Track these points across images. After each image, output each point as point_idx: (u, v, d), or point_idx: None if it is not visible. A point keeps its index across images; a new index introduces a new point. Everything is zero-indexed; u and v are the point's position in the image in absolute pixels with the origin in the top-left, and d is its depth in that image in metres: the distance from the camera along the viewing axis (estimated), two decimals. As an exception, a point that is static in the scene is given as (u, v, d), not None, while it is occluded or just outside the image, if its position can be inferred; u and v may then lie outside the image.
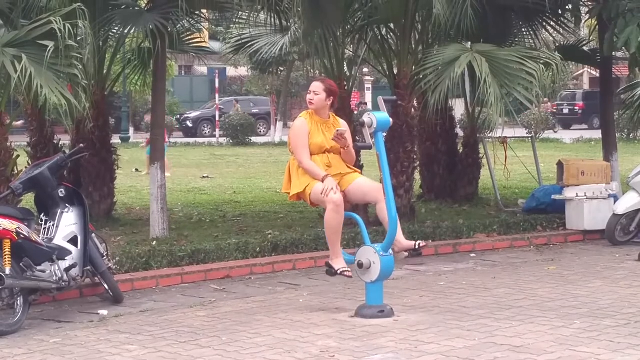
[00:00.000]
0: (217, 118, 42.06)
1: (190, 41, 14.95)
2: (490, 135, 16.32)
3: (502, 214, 14.31)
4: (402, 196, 13.14)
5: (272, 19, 13.93)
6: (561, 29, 15.69)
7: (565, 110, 51.35)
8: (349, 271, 8.66)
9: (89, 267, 9.07)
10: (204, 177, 22.83)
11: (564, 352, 7.22)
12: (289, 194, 8.92)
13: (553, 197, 13.67)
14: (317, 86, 8.91)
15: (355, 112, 27.43)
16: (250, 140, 39.01)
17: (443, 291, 9.78)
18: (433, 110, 12.37)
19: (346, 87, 13.70)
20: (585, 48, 16.77)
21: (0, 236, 8.21)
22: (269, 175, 22.66)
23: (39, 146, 13.18)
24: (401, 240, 8.70)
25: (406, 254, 8.90)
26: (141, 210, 15.22)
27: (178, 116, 48.64)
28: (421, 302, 9.22)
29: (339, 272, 8.67)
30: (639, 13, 13.14)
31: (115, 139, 17.79)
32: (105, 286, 9.35)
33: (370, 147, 8.59)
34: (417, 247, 8.76)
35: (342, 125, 8.94)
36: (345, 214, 8.65)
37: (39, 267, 8.51)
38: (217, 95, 44.68)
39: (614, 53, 14.85)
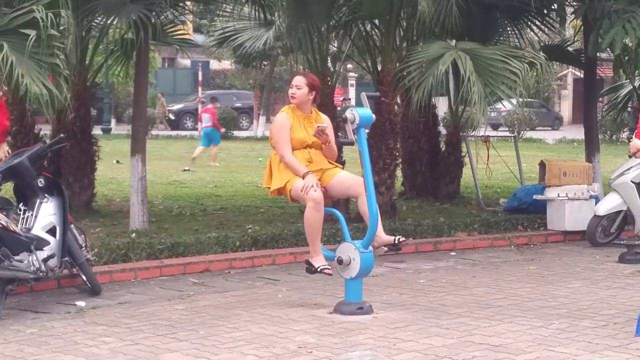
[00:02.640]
0: (200, 111, 41.95)
1: (174, 33, 14.87)
2: (472, 133, 16.33)
3: (483, 213, 14.31)
4: (383, 193, 13.11)
5: (257, 13, 13.90)
6: (546, 29, 15.71)
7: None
8: (329, 268, 8.62)
9: (67, 258, 9.01)
10: (185, 170, 22.79)
11: (542, 352, 7.20)
12: (269, 188, 8.88)
13: (534, 197, 13.67)
14: (299, 80, 8.87)
15: (339, 108, 27.43)
16: (233, 134, 38.96)
17: (423, 289, 9.76)
18: (416, 107, 12.37)
19: (330, 83, 13.67)
20: (569, 48, 16.80)
21: (-22, 225, 8.15)
22: (251, 170, 22.63)
23: (19, 135, 13.10)
24: (381, 235, 8.67)
25: (385, 248, 8.87)
26: (121, 202, 15.16)
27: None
28: (400, 299, 9.20)
29: (319, 269, 8.63)
30: (624, 14, 13.14)
31: (97, 130, 17.75)
32: (84, 277, 9.30)
33: (352, 143, 8.56)
34: (396, 242, 8.73)
35: (324, 120, 8.90)
36: (325, 209, 8.61)
37: (16, 257, 8.44)
38: (200, 89, 44.59)
39: (598, 54, 14.86)
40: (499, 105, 47.63)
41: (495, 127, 41.71)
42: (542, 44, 16.36)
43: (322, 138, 8.69)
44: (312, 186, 8.46)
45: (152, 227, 12.28)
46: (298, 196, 8.61)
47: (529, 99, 47.24)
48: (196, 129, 42.96)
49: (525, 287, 9.80)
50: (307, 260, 8.77)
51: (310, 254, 8.75)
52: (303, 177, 8.52)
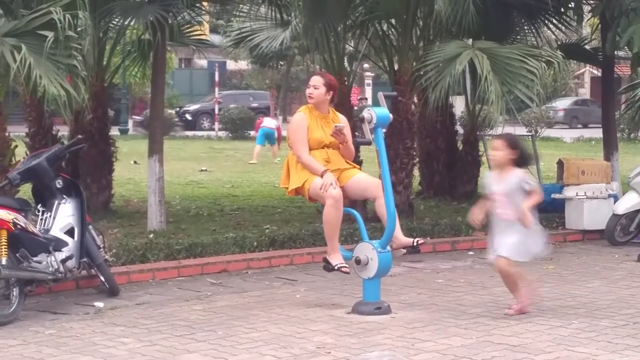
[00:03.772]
0: (217, 111, 42.03)
1: (191, 34, 14.90)
2: (490, 132, 16.28)
3: (501, 212, 14.24)
4: (401, 193, 13.10)
5: (273, 13, 13.90)
6: (563, 27, 15.65)
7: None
8: (346, 267, 8.62)
9: (85, 259, 9.03)
10: (202, 170, 22.82)
11: (562, 352, 7.18)
12: (287, 188, 8.88)
13: (553, 196, 13.62)
14: (317, 80, 8.86)
15: (356, 108, 27.43)
16: (249, 134, 38.99)
17: (441, 289, 9.74)
18: (433, 106, 12.35)
19: (346, 83, 13.66)
20: (587, 47, 16.73)
21: (-3, 227, 8.17)
22: (268, 170, 22.63)
23: (37, 137, 13.14)
24: (399, 237, 8.66)
25: (404, 251, 8.86)
26: (139, 202, 15.19)
27: (177, 109, 48.58)
28: (418, 299, 9.19)
29: (336, 267, 8.63)
30: (642, 12, 13.08)
31: (114, 131, 17.76)
32: (102, 278, 9.32)
33: (369, 143, 8.55)
34: (415, 244, 8.72)
35: (342, 120, 8.90)
36: (343, 209, 8.61)
37: (35, 258, 8.47)
38: (216, 89, 44.66)
39: (616, 52, 14.81)
40: (555, 104, 47.86)
41: (550, 125, 41.69)
42: (559, 43, 16.31)
43: (340, 138, 8.69)
44: (331, 184, 8.45)
45: (170, 228, 12.30)
46: (317, 195, 8.60)
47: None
48: (213, 129, 43.01)
49: (544, 287, 9.77)
50: (325, 258, 8.77)
51: (328, 251, 8.74)
52: (321, 176, 8.51)
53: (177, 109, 48.57)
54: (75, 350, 7.38)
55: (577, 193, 13.17)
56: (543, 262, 11.35)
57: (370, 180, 8.81)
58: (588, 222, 13.09)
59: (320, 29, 13.00)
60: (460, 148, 16.03)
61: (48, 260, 8.60)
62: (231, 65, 53.15)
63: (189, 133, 42.21)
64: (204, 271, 10.50)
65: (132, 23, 12.93)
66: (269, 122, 28.40)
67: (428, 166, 15.78)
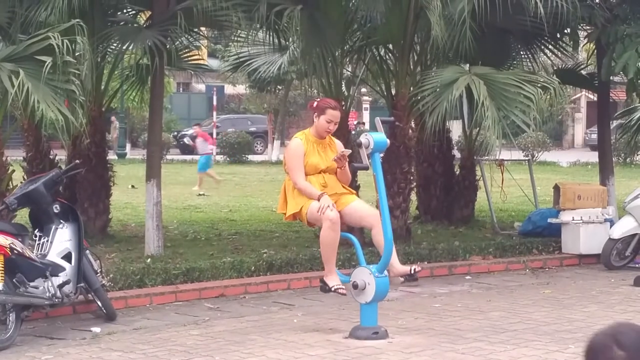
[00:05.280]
0: (215, 136, 42.05)
1: (189, 58, 14.92)
2: (487, 157, 16.31)
3: (498, 236, 14.29)
4: (398, 217, 13.11)
5: (271, 38, 13.93)
6: (559, 53, 15.71)
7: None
8: (343, 289, 8.63)
9: (82, 284, 9.04)
10: (200, 194, 22.80)
11: (558, 377, 7.19)
12: (284, 214, 8.89)
13: (549, 220, 13.65)
14: (337, 116, 8.86)
15: (353, 132, 27.44)
16: (247, 158, 39.02)
17: (438, 313, 9.74)
18: (430, 131, 12.38)
19: (344, 107, 13.69)
20: (583, 72, 16.79)
21: (-6, 251, 8.18)
22: (266, 194, 22.63)
23: (34, 161, 13.16)
24: (396, 265, 8.67)
25: (402, 279, 8.88)
26: (136, 227, 15.18)
27: (175, 133, 48.59)
28: (416, 324, 9.19)
29: (332, 289, 8.64)
30: (637, 38, 13.17)
31: (112, 155, 17.76)
32: (99, 303, 9.31)
33: (366, 168, 8.58)
34: (412, 272, 8.73)
35: (338, 145, 8.94)
36: (340, 234, 8.62)
37: (32, 283, 8.48)
38: (214, 113, 44.69)
39: (611, 77, 14.86)
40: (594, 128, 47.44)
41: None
42: (555, 68, 16.36)
43: (340, 163, 8.72)
44: (328, 206, 8.47)
45: (167, 252, 12.29)
46: (314, 218, 8.62)
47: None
48: (210, 153, 42.99)
49: (541, 311, 9.78)
50: (322, 279, 8.79)
51: (325, 273, 8.76)
52: (318, 199, 8.53)
53: (175, 133, 48.56)
54: (72, 375, 7.38)
55: (573, 217, 13.19)
56: (540, 287, 11.38)
57: (367, 209, 8.83)
58: (584, 247, 13.10)
59: (318, 53, 13.04)
60: (458, 172, 16.05)
61: (45, 285, 8.60)
62: (229, 89, 53.20)
63: (187, 157, 42.19)
64: (201, 296, 10.49)
65: (130, 48, 12.96)
66: (203, 146, 26.78)
67: (425, 191, 15.79)
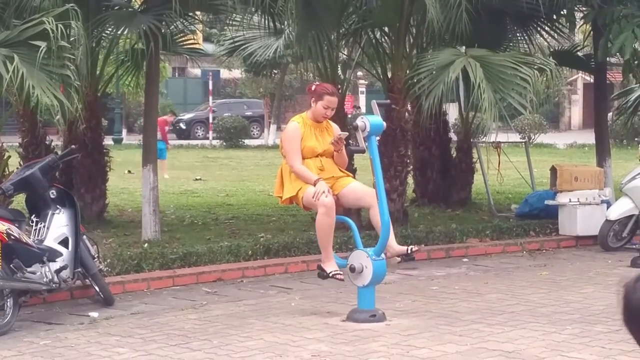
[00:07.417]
0: (211, 120, 42.02)
1: (184, 43, 14.90)
2: (483, 140, 16.31)
3: (495, 219, 14.30)
4: (395, 200, 13.12)
5: (266, 22, 13.91)
6: (556, 34, 15.69)
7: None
8: (340, 274, 8.64)
9: (79, 269, 9.03)
10: (196, 179, 22.81)
11: (556, 357, 7.20)
12: (281, 197, 8.89)
13: (546, 202, 13.66)
14: (334, 102, 8.85)
15: (349, 116, 27.42)
16: (244, 142, 39.03)
17: (435, 296, 9.75)
18: (427, 114, 12.36)
19: (340, 91, 13.66)
20: (579, 53, 16.78)
21: (-9, 237, 8.17)
22: (262, 178, 22.64)
23: (30, 147, 13.13)
24: (393, 245, 8.67)
25: (399, 259, 8.87)
26: (133, 212, 15.18)
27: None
28: (413, 306, 9.20)
29: (330, 275, 8.64)
30: (633, 19, 13.14)
31: (108, 141, 17.75)
32: (96, 288, 9.31)
33: (363, 151, 8.56)
34: (409, 252, 8.73)
35: (335, 128, 8.92)
36: (337, 217, 8.63)
37: (29, 269, 8.46)
38: (210, 98, 44.65)
39: (608, 59, 14.84)
40: None
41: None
42: (551, 50, 16.33)
43: (338, 146, 8.70)
44: (324, 192, 8.46)
45: (165, 237, 12.29)
46: (310, 203, 8.62)
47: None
48: (207, 138, 43.04)
49: (538, 293, 9.79)
50: (319, 265, 8.79)
51: (322, 259, 8.77)
52: (314, 184, 8.53)
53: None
54: (70, 360, 7.38)
55: (570, 199, 13.20)
56: (537, 268, 11.39)
57: (364, 189, 8.83)
58: (581, 228, 13.12)
59: (314, 37, 13.01)
60: (454, 155, 16.05)
61: (42, 270, 8.60)
62: (225, 73, 53.07)
63: (183, 142, 42.20)
64: (198, 280, 10.49)
65: (125, 32, 12.92)
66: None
67: (422, 174, 15.79)
